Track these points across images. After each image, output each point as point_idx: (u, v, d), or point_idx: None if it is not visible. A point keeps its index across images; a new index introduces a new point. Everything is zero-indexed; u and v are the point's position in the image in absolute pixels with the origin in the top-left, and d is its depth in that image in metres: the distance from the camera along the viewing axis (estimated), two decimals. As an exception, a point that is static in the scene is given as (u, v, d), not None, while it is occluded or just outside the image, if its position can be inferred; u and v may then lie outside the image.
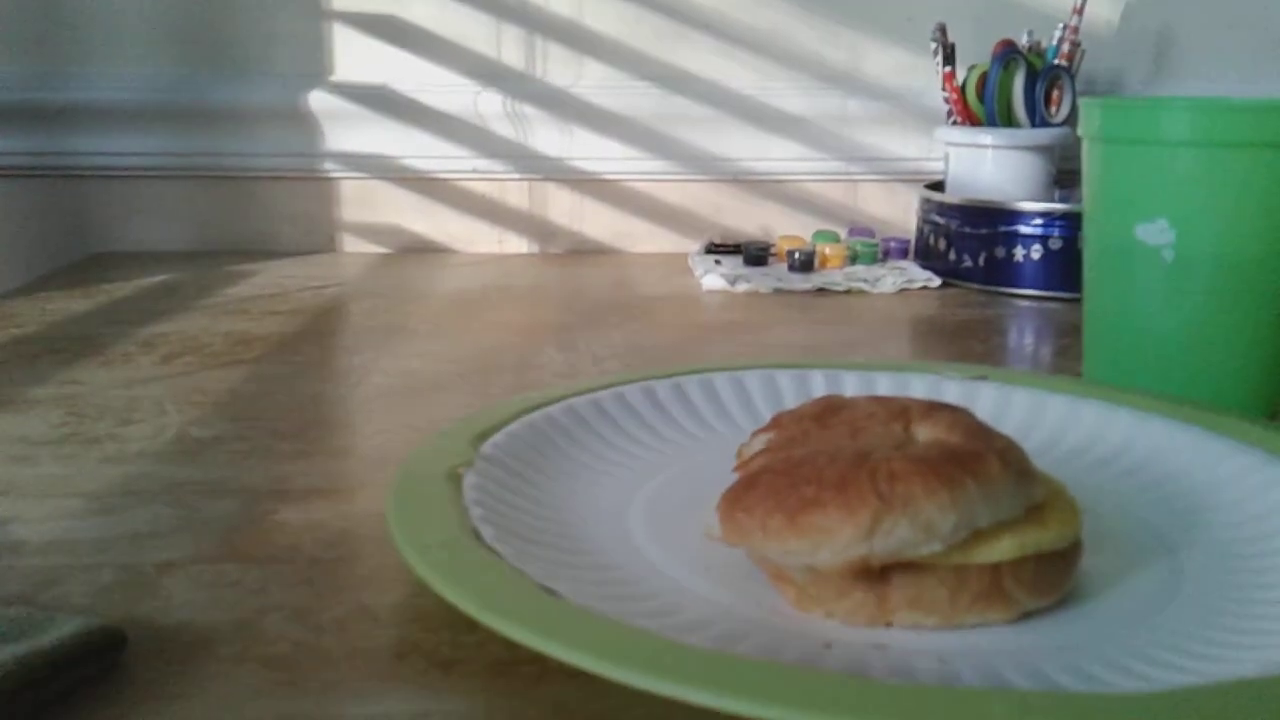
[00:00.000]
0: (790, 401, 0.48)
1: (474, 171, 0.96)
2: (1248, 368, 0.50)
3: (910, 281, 0.82)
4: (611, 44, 0.96)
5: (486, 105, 0.95)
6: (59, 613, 0.31)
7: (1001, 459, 0.31)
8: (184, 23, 0.94)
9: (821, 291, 0.81)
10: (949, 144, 0.89)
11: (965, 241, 0.82)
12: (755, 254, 0.88)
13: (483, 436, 0.41)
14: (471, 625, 0.31)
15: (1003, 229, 0.80)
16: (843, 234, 0.94)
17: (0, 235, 0.88)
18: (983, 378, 0.49)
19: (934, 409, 0.34)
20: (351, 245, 0.98)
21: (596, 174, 0.97)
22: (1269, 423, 0.44)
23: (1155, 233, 0.49)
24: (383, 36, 0.95)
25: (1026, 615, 0.31)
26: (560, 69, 0.96)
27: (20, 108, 0.92)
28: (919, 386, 0.48)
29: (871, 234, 0.94)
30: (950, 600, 0.30)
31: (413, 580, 0.35)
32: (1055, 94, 0.88)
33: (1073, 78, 0.88)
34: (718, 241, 0.94)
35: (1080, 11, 0.88)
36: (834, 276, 0.83)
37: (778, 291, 0.80)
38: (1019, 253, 0.79)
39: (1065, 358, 0.64)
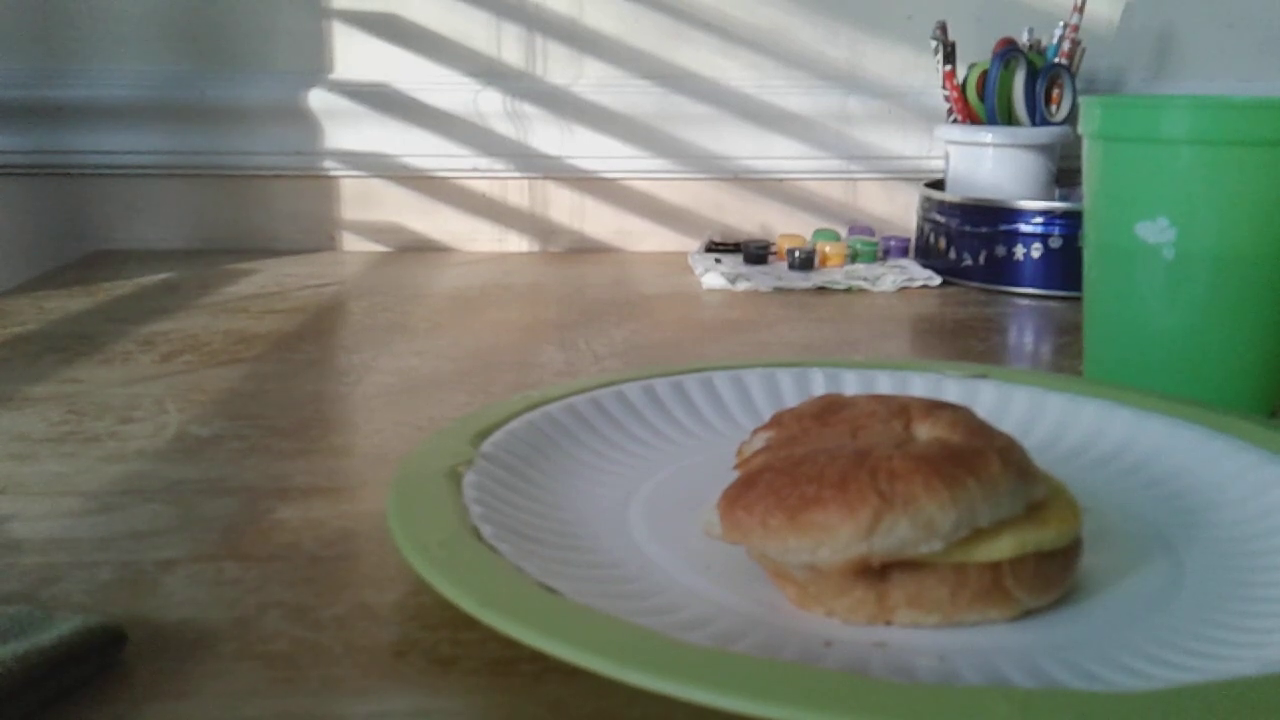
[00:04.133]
0: (790, 400, 0.48)
1: (474, 170, 0.96)
2: (1248, 366, 0.50)
3: (910, 280, 0.82)
4: (611, 42, 0.96)
5: (486, 104, 0.95)
6: (59, 610, 0.31)
7: (1002, 457, 0.31)
8: (184, 20, 0.94)
9: (821, 290, 0.81)
10: (949, 142, 0.89)
11: (965, 240, 0.82)
12: (755, 252, 0.88)
13: (483, 435, 0.41)
14: (471, 623, 0.31)
15: (1003, 227, 0.80)
16: (843, 232, 0.94)
17: (0, 233, 0.88)
18: (983, 376, 0.49)
19: (934, 407, 0.34)
20: (351, 244, 0.97)
21: (597, 172, 0.97)
22: (1269, 421, 0.44)
23: (1156, 231, 0.49)
24: (383, 34, 0.95)
25: (1027, 613, 0.31)
26: (560, 67, 0.96)
27: (19, 105, 0.92)
28: (919, 385, 0.48)
29: (871, 232, 0.94)
30: (950, 598, 0.30)
31: (412, 578, 0.35)
32: (1056, 92, 0.88)
33: (1073, 76, 0.88)
34: (718, 240, 0.94)
35: (1081, 10, 0.88)
36: (834, 275, 0.83)
37: (778, 290, 0.80)
38: (1019, 251, 0.79)
39: (1065, 356, 0.64)
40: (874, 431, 0.33)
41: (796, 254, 0.85)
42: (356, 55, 0.95)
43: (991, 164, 0.86)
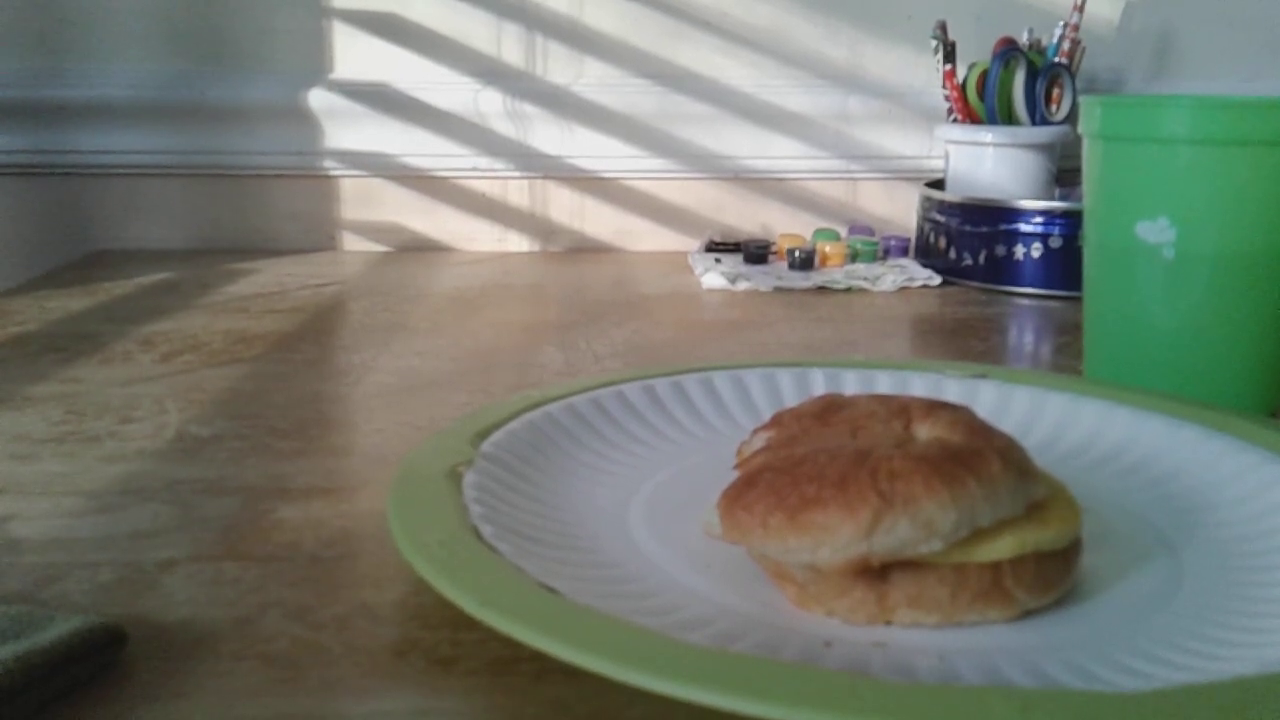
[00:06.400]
0: (790, 400, 0.48)
1: (474, 170, 0.96)
2: (1248, 366, 0.50)
3: (910, 280, 0.82)
4: (612, 42, 0.96)
5: (487, 103, 0.95)
6: (59, 611, 0.31)
7: (1002, 457, 0.31)
8: (184, 20, 0.94)
9: (822, 290, 0.81)
10: (949, 142, 0.89)
11: (965, 239, 0.82)
12: (755, 252, 0.88)
13: (483, 435, 0.41)
14: (471, 623, 0.31)
15: (1003, 227, 0.80)
16: (843, 232, 0.94)
17: (0, 233, 0.88)
18: (983, 376, 0.49)
19: (934, 407, 0.34)
20: (351, 243, 0.98)
21: (597, 172, 0.97)
22: (1269, 421, 0.44)
23: (1156, 231, 0.49)
24: (383, 34, 0.95)
25: (1027, 613, 0.31)
26: (560, 67, 0.96)
27: (20, 105, 0.92)
28: (919, 385, 0.48)
29: (871, 232, 0.94)
30: (950, 598, 0.30)
31: (413, 578, 0.35)
32: (1056, 92, 0.88)
33: (1073, 76, 0.88)
34: (718, 240, 0.94)
35: (1081, 9, 0.88)
36: (834, 275, 0.83)
37: (778, 290, 0.80)
38: (1019, 251, 0.79)
39: (1065, 356, 0.64)
40: (874, 431, 0.33)
41: (796, 254, 0.85)
42: (357, 55, 0.95)
43: (991, 164, 0.86)
